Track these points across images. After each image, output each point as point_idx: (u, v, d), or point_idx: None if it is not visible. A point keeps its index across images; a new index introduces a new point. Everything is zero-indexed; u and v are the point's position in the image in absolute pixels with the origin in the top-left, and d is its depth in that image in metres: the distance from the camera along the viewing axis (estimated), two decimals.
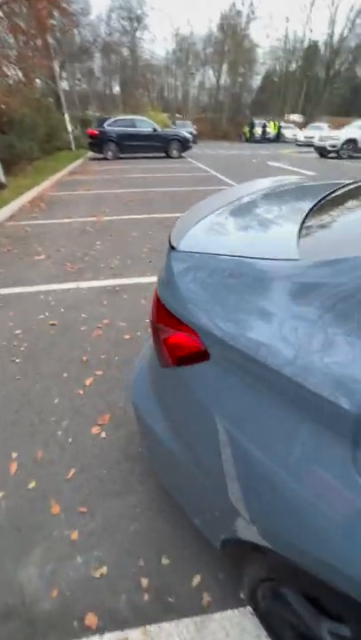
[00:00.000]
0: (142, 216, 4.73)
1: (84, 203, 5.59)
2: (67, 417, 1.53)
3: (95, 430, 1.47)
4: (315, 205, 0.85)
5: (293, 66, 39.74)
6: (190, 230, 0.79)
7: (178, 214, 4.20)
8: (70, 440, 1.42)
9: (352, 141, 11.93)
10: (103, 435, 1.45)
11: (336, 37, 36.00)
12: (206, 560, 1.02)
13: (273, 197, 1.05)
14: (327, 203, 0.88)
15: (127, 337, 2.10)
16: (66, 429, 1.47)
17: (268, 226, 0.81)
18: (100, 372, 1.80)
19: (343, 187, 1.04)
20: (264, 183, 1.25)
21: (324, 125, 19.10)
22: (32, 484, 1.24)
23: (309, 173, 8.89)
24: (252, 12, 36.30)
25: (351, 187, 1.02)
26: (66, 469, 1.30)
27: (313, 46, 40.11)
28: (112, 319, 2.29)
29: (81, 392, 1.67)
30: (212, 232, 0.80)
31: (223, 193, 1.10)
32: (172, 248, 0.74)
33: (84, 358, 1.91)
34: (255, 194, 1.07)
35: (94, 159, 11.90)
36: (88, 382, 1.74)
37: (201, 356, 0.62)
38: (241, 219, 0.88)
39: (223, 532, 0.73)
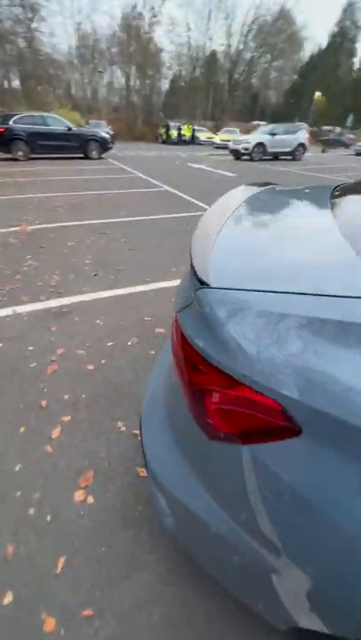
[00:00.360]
0: (74, 223, 4.31)
1: (0, 210, 4.86)
2: (37, 486, 1.22)
3: (79, 496, 1.19)
4: (337, 217, 0.76)
5: (198, 72, 41.75)
6: (211, 258, 0.63)
7: (114, 220, 3.93)
8: (49, 518, 1.12)
9: (261, 145, 13.02)
10: (90, 499, 1.18)
11: (233, 49, 38.96)
12: (253, 632, 0.88)
13: (273, 208, 0.95)
14: (345, 212, 0.81)
15: (90, 367, 1.81)
16: (39, 504, 1.16)
17: (307, 246, 0.70)
18: (67, 418, 1.50)
19: (338, 190, 0.99)
20: (246, 192, 1.14)
21: (237, 130, 20.48)
22: (8, 599, 0.93)
23: (230, 174, 9.37)
24: (155, 16, 36.84)
25: (347, 189, 0.98)
26: (52, 562, 1.01)
27: (213, 55, 42.76)
28: (67, 348, 1.96)
29: (49, 449, 1.36)
30: (242, 258, 0.65)
31: (214, 209, 0.95)
32: (202, 284, 0.57)
33: (43, 403, 1.57)
34: (249, 206, 0.96)
35: (3, 160, 10.57)
36: (55, 434, 1.42)
37: (285, 429, 0.47)
38: (263, 238, 0.75)
39: (294, 622, 0.60)
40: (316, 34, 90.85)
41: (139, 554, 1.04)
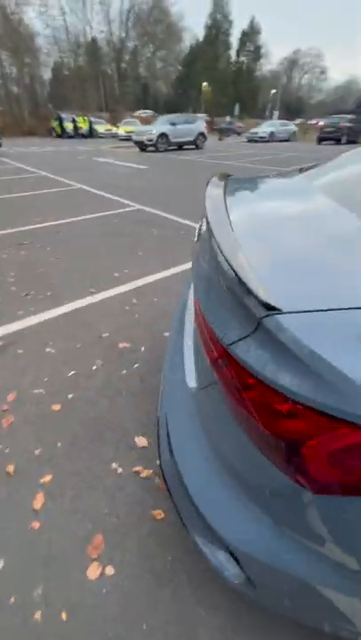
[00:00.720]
0: None
1: None
2: (36, 580, 0.96)
3: (93, 571, 0.98)
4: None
5: (81, 60, 39.57)
6: (266, 277, 0.52)
7: (30, 227, 3.45)
8: (64, 616, 0.89)
9: (165, 135, 13.06)
10: (109, 570, 0.99)
11: (116, 37, 37.89)
12: None
13: (276, 207, 0.87)
14: (345, 195, 0.77)
15: (56, 407, 1.53)
16: (46, 602, 0.92)
17: (346, 245, 0.63)
18: (47, 478, 1.23)
19: (310, 174, 0.96)
20: (225, 192, 1.01)
21: (137, 121, 20.08)
22: None
23: (142, 167, 9.18)
24: None
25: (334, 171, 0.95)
26: None
27: (94, 42, 40.93)
28: (20, 389, 1.62)
29: (36, 524, 1.09)
30: (297, 271, 0.55)
31: (218, 216, 0.81)
32: (271, 309, 0.46)
33: (10, 468, 1.26)
34: (251, 209, 0.86)
35: None
36: (38, 503, 1.15)
37: None
38: (294, 240, 0.66)
39: None
40: (194, 24, 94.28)
41: (187, 611, 0.90)
